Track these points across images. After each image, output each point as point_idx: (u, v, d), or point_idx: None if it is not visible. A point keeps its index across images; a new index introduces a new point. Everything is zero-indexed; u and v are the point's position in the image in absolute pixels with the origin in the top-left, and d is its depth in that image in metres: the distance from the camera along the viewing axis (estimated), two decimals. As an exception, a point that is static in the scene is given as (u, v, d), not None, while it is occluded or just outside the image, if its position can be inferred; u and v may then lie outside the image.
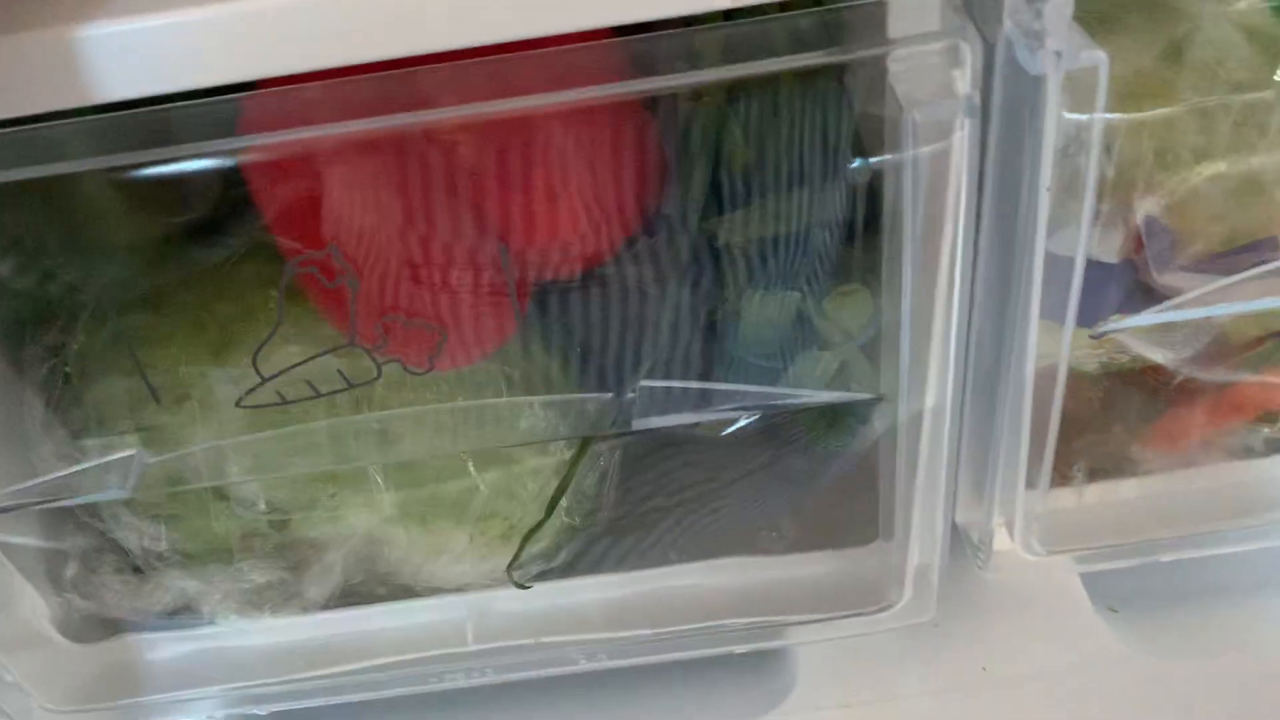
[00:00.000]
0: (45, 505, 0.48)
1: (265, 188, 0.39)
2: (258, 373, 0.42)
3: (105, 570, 0.54)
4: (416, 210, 0.39)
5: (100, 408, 0.48)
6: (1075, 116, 0.40)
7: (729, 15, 0.38)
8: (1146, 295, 0.49)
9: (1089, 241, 0.45)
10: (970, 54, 0.36)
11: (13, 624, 0.53)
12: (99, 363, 0.48)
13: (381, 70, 0.37)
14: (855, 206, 0.42)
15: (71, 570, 0.54)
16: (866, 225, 0.42)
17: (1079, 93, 0.40)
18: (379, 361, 0.42)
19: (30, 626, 0.54)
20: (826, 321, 0.43)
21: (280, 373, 0.42)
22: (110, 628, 0.56)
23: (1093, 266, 0.46)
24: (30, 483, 0.47)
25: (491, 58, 0.38)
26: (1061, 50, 0.38)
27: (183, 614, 0.55)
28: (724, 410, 0.43)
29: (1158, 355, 0.51)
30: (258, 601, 0.54)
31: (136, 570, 0.54)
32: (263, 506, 0.50)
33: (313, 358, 0.42)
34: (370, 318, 0.41)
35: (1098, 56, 0.38)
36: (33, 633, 0.54)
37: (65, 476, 0.46)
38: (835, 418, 0.48)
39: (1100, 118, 0.39)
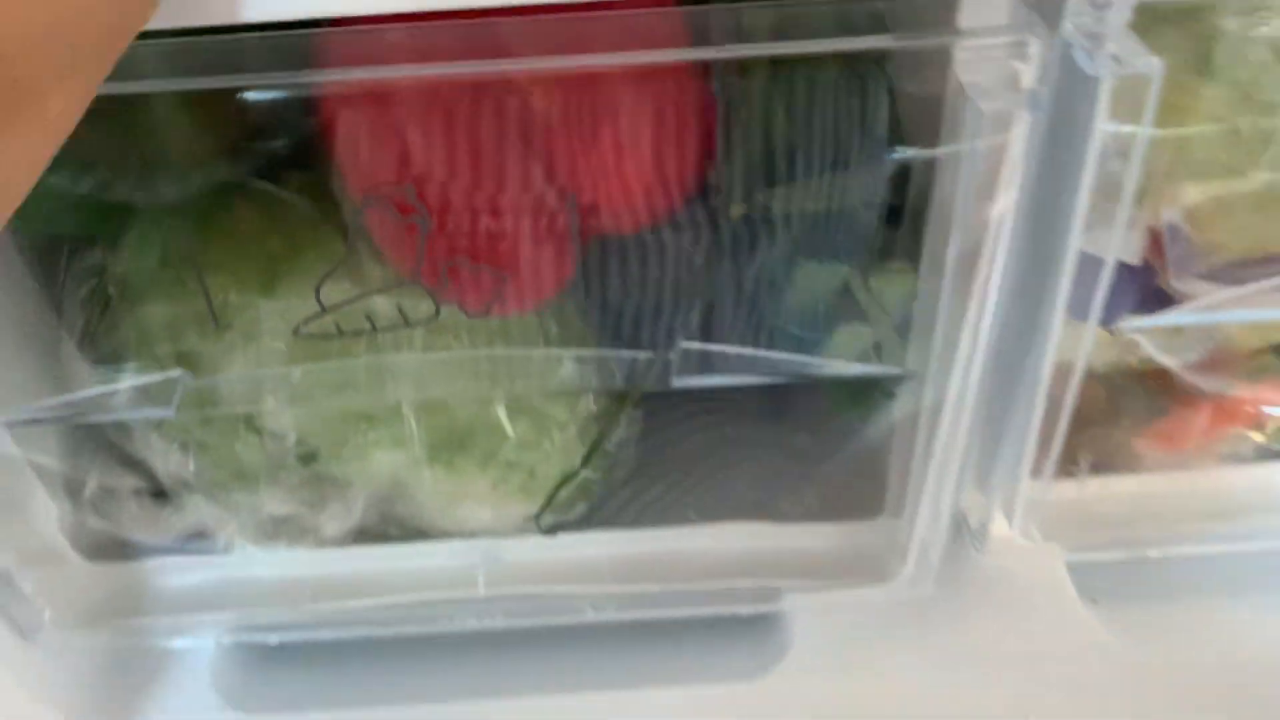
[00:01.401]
0: (81, 420, 0.48)
1: (341, 124, 0.40)
2: (319, 303, 0.42)
3: (124, 491, 0.55)
4: (489, 156, 0.40)
5: (142, 331, 0.48)
6: (1120, 128, 0.42)
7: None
8: (1162, 299, 0.51)
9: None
10: (1037, 50, 0.38)
11: (30, 537, 0.54)
12: (143, 285, 0.48)
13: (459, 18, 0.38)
14: (899, 187, 0.44)
15: (90, 489, 0.55)
16: (912, 207, 0.43)
17: (1122, 100, 0.42)
18: (439, 302, 0.43)
19: (47, 541, 0.55)
20: (870, 297, 0.45)
21: (343, 304, 0.43)
22: (124, 549, 0.57)
23: (1116, 267, 0.48)
24: (65, 398, 0.47)
25: (565, 15, 0.39)
26: (1119, 55, 0.39)
27: (197, 540, 0.56)
28: (761, 376, 0.45)
29: (1165, 358, 0.53)
30: (274, 533, 0.55)
31: (155, 494, 0.55)
32: (293, 440, 0.51)
33: (378, 291, 0.43)
34: (435, 259, 0.42)
35: (1153, 64, 0.40)
36: (49, 548, 0.55)
37: (104, 394, 0.47)
38: (859, 391, 0.49)
39: (1148, 127, 0.41)
